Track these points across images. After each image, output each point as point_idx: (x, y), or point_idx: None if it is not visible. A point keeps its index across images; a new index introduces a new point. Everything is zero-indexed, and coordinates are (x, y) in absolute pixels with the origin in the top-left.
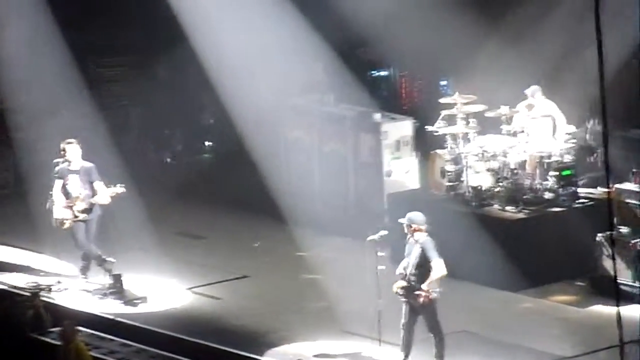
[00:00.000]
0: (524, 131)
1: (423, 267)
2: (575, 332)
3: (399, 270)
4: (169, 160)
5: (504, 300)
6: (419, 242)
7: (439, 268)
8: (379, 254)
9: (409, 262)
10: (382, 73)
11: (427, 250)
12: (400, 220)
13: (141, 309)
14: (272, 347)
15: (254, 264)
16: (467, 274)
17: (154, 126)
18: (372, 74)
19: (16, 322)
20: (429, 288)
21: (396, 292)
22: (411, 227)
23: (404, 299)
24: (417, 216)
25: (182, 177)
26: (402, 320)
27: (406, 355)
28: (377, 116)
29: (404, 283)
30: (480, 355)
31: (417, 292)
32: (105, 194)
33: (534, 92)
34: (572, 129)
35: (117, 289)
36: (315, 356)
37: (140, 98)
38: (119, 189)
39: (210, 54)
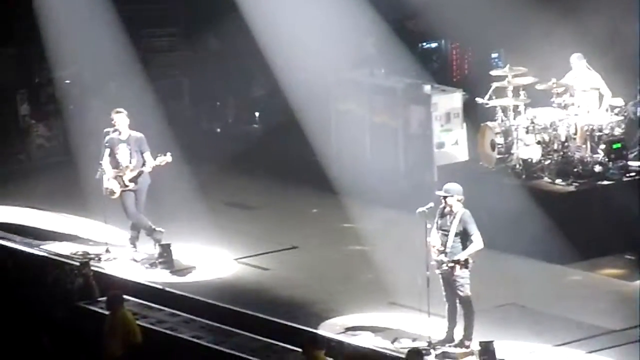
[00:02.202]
0: (573, 104)
1: (461, 239)
2: (624, 306)
3: (436, 243)
4: (219, 130)
5: (553, 273)
6: (458, 214)
7: (478, 241)
8: (428, 226)
9: (447, 234)
10: (433, 45)
11: (466, 223)
12: (438, 193)
13: (189, 278)
14: (319, 318)
15: (302, 235)
16: (517, 247)
17: (205, 97)
18: (423, 45)
19: (65, 291)
20: (465, 260)
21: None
22: (448, 198)
23: (439, 271)
24: (455, 187)
25: (232, 148)
26: (443, 293)
27: (451, 327)
28: (427, 88)
29: (441, 256)
30: (528, 328)
31: (452, 264)
32: (150, 164)
33: (575, 60)
34: (620, 101)
35: (165, 259)
36: (363, 328)
37: (191, 69)
38: (167, 157)
39: (262, 26)
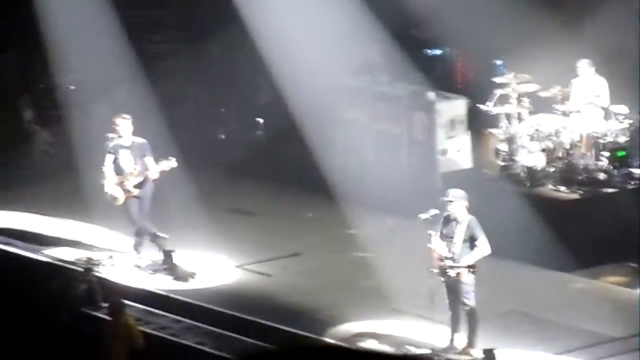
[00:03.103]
0: (578, 111)
1: (469, 246)
2: (626, 313)
3: (440, 250)
4: (222, 137)
5: (556, 281)
6: (465, 220)
7: (485, 246)
8: (431, 232)
9: (452, 241)
10: (437, 52)
11: (473, 228)
12: (444, 199)
13: (193, 285)
14: (323, 325)
15: (305, 242)
16: (519, 254)
17: (208, 103)
18: (427, 53)
19: (69, 297)
20: (472, 266)
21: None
22: (455, 204)
23: (443, 279)
24: (461, 193)
25: (236, 154)
26: (447, 300)
27: (455, 335)
28: (431, 95)
29: (447, 262)
30: (530, 336)
31: (458, 270)
32: (155, 169)
33: (584, 66)
34: (624, 109)
35: (168, 265)
36: (367, 335)
37: (195, 75)
38: (172, 162)
39: (266, 33)
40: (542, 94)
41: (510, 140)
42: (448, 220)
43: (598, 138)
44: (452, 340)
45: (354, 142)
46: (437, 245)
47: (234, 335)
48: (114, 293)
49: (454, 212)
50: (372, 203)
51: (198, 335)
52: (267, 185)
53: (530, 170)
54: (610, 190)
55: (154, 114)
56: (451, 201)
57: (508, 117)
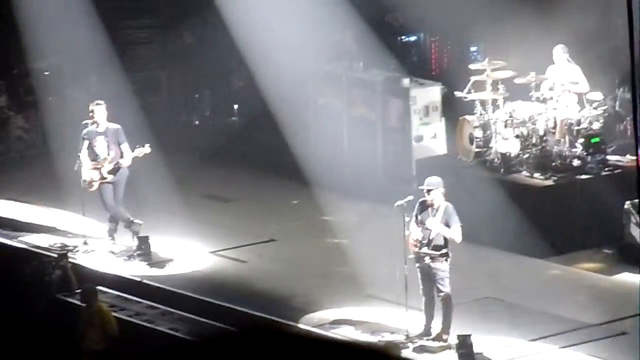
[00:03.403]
0: (552, 98)
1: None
2: (601, 300)
3: (416, 236)
4: (197, 122)
5: (531, 267)
6: (441, 207)
7: (457, 235)
8: (406, 219)
9: (428, 227)
10: (412, 38)
11: (450, 215)
12: (421, 187)
13: (167, 271)
14: (298, 312)
15: (280, 228)
16: (494, 241)
17: (183, 89)
18: (402, 39)
19: (43, 283)
20: (446, 253)
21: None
22: (432, 191)
23: (418, 264)
24: (437, 180)
25: (210, 140)
26: (421, 287)
27: (429, 321)
28: (406, 81)
29: (424, 248)
30: (505, 322)
31: (433, 256)
32: (129, 156)
33: (559, 52)
34: (599, 95)
35: (143, 251)
36: (341, 321)
37: (169, 61)
38: (146, 149)
39: (240, 18)
40: (517, 81)
41: (484, 126)
42: (424, 207)
43: (572, 125)
44: (426, 326)
45: (329, 128)
46: (413, 231)
47: (208, 321)
48: (88, 279)
49: (431, 199)
50: (346, 189)
51: (172, 321)
52: (242, 171)
53: (504, 157)
54: (584, 176)
55: (129, 100)
56: (429, 189)
57: (483, 103)
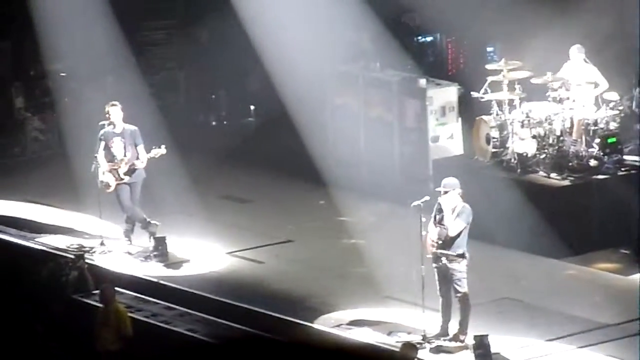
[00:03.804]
0: (569, 98)
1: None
2: (618, 300)
3: (434, 236)
4: (214, 123)
5: (547, 268)
6: (457, 207)
7: (455, 226)
8: (423, 219)
9: (446, 228)
10: (428, 39)
11: (461, 214)
12: (439, 189)
13: (184, 271)
14: (314, 312)
15: (297, 229)
16: (511, 241)
17: (200, 90)
18: (418, 39)
19: (60, 284)
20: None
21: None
22: (450, 193)
23: (435, 265)
24: (454, 181)
25: (227, 141)
26: (438, 287)
27: (446, 321)
28: (423, 82)
29: (438, 249)
30: (522, 322)
31: (450, 257)
32: (146, 157)
33: (575, 52)
34: (615, 96)
35: (160, 252)
36: (358, 322)
37: (186, 62)
38: (162, 149)
39: (257, 19)
40: (534, 81)
41: (501, 127)
42: (441, 208)
43: (589, 125)
44: (443, 326)
45: (346, 129)
46: (431, 232)
47: (225, 322)
48: (105, 280)
49: (449, 201)
50: (363, 190)
51: (189, 322)
52: (259, 171)
53: (521, 157)
54: (601, 176)
55: (146, 101)
56: (446, 191)
57: (499, 103)
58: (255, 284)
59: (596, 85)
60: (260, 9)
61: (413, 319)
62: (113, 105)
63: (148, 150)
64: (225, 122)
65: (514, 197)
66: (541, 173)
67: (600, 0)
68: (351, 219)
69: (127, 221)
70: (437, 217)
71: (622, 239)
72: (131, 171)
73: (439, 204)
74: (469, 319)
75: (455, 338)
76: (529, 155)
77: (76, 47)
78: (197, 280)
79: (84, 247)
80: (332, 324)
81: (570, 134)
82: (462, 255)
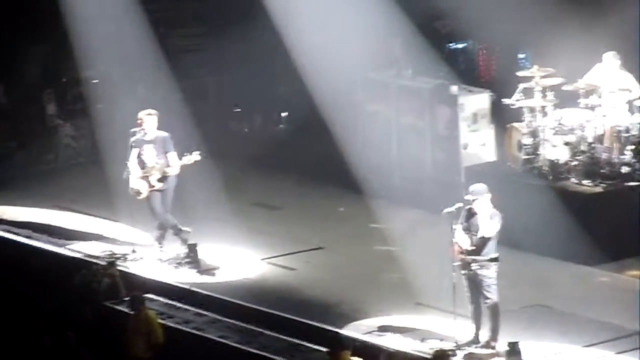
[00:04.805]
0: (601, 105)
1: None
2: None
3: (464, 243)
4: (246, 130)
5: (580, 275)
6: (487, 214)
7: (489, 227)
8: (454, 226)
9: (477, 234)
10: (460, 46)
11: (492, 216)
12: (468, 197)
13: (216, 278)
14: (346, 319)
15: (329, 235)
16: (543, 248)
17: (232, 97)
18: (450, 46)
19: (92, 291)
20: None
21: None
22: (479, 200)
23: (464, 272)
24: (483, 187)
25: (258, 148)
26: (467, 294)
27: (478, 329)
28: (454, 89)
29: (467, 256)
30: (554, 329)
31: (482, 263)
32: (177, 164)
33: (610, 59)
34: None
35: (192, 259)
36: (390, 328)
37: (218, 68)
38: (195, 156)
39: (289, 26)
40: (566, 88)
41: (533, 133)
42: (471, 214)
43: (621, 132)
44: (475, 334)
45: (378, 136)
46: (460, 239)
47: (257, 329)
48: (136, 287)
49: (481, 207)
50: (395, 197)
51: (221, 329)
52: (291, 178)
53: (553, 164)
54: (633, 183)
55: (178, 108)
56: (475, 198)
57: (531, 110)
58: (286, 291)
59: (630, 92)
60: (292, 15)
61: (445, 326)
62: (149, 114)
63: (180, 157)
64: (257, 129)
65: (545, 204)
66: (573, 180)
67: (634, 6)
68: (383, 225)
69: (159, 228)
70: (465, 224)
71: None
72: (163, 178)
73: (467, 210)
74: (500, 325)
75: (486, 345)
76: (561, 162)
77: (108, 54)
78: (228, 286)
79: (116, 254)
80: (364, 330)
81: (602, 141)
82: (495, 259)
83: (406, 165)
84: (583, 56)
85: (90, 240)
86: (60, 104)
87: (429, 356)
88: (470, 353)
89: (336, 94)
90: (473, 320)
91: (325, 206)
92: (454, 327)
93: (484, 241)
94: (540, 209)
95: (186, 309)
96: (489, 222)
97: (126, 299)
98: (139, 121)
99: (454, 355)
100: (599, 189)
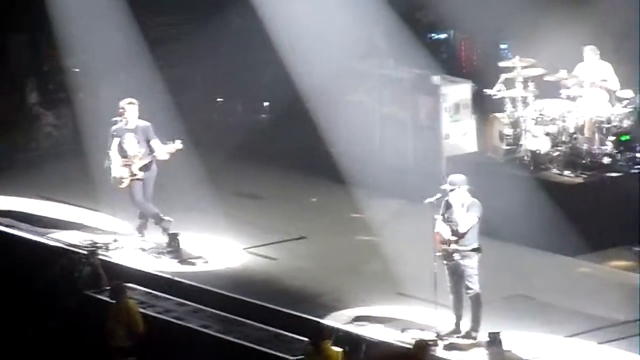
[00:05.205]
0: (582, 95)
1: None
2: (632, 297)
3: (445, 233)
4: (229, 119)
5: (561, 265)
6: (467, 203)
7: (466, 220)
8: (436, 216)
9: (456, 225)
10: (442, 36)
11: (471, 206)
12: (444, 187)
13: (197, 268)
14: (327, 309)
15: (310, 225)
16: (524, 238)
17: (214, 86)
18: (432, 36)
19: (73, 280)
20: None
21: (440, 255)
22: (457, 190)
23: (445, 262)
24: (461, 178)
25: (241, 137)
26: (449, 284)
27: (459, 319)
28: (436, 79)
29: (452, 245)
30: (536, 320)
31: (463, 252)
32: (163, 150)
33: (589, 52)
34: (630, 93)
35: (173, 248)
36: (371, 319)
37: (200, 57)
38: (177, 144)
39: (271, 15)
40: (547, 78)
41: (514, 124)
42: (450, 204)
43: (602, 122)
44: (456, 324)
45: (359, 126)
46: (441, 229)
47: (238, 318)
48: (117, 276)
49: (458, 197)
50: (377, 186)
51: (203, 318)
52: (273, 168)
53: (534, 154)
54: (614, 174)
55: (160, 97)
56: (452, 189)
57: (513, 101)
58: (268, 281)
59: (606, 81)
60: (275, 5)
61: (426, 316)
62: (131, 103)
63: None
64: (238, 119)
65: (526, 195)
66: (554, 170)
67: None
68: (364, 215)
69: (140, 217)
70: (445, 214)
71: (636, 236)
72: (144, 167)
73: (447, 200)
74: (481, 315)
75: (467, 335)
76: (542, 152)
77: (91, 42)
78: (209, 276)
79: (97, 243)
80: (345, 320)
81: (583, 132)
82: (477, 250)
83: (388, 155)
84: (564, 47)
85: (72, 229)
86: (42, 93)
87: (410, 346)
88: (451, 343)
89: (319, 84)
90: (454, 310)
91: (307, 196)
92: (435, 317)
93: (463, 233)
94: (522, 200)
95: (167, 298)
96: (465, 215)
97: (107, 288)
98: (120, 110)
99: (435, 345)
100: (579, 180)
